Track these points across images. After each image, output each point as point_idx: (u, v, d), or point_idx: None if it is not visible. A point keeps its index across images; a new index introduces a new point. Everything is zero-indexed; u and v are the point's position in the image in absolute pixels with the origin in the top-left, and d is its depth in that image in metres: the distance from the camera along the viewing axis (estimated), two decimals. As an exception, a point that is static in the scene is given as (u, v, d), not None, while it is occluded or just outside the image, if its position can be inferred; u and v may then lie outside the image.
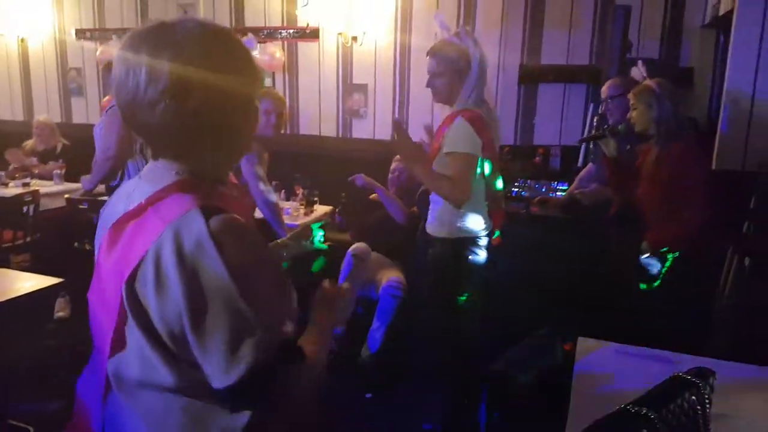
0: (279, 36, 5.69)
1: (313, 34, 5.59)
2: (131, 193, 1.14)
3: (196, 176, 1.12)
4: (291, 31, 5.67)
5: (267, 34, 5.71)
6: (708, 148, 3.59)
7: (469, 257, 2.68)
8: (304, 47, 5.71)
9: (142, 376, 1.08)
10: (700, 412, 1.31)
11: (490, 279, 2.80)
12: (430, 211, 2.78)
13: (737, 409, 1.69)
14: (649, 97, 2.87)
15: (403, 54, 5.40)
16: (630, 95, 3.00)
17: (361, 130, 5.69)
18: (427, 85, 2.69)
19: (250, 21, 5.84)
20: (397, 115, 5.45)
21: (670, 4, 4.62)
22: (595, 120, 4.02)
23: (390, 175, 4.20)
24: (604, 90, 3.49)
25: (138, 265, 1.02)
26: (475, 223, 2.67)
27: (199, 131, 1.09)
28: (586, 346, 2.12)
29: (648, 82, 2.96)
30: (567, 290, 3.39)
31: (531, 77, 5.00)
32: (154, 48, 1.03)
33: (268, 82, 5.79)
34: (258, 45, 5.57)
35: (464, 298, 2.70)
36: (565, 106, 4.93)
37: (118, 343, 1.09)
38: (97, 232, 1.21)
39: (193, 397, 1.08)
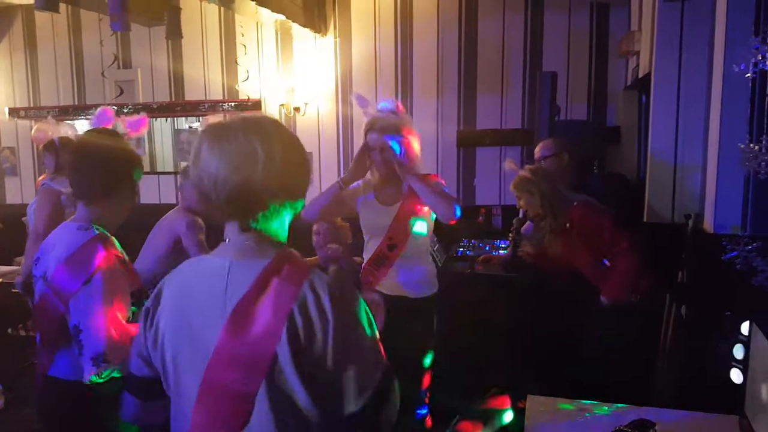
0: (221, 109, 5.76)
1: (255, 106, 5.67)
2: (229, 269, 1.26)
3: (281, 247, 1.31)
4: (233, 103, 5.74)
5: (208, 107, 5.76)
6: (639, 201, 3.77)
7: (434, 316, 2.83)
8: (247, 119, 5.77)
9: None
10: (643, 462, 1.36)
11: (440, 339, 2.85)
12: (404, 272, 2.78)
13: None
14: (527, 185, 3.10)
15: (346, 122, 5.54)
16: (511, 188, 3.22)
17: (308, 198, 5.70)
18: (380, 159, 2.69)
19: (190, 95, 5.89)
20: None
21: (594, 68, 4.92)
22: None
23: (315, 237, 4.20)
24: (537, 151, 3.66)
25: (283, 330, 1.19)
26: (434, 281, 2.87)
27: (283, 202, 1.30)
28: (536, 403, 2.17)
29: (522, 172, 3.17)
30: (516, 348, 3.45)
31: (469, 142, 5.20)
32: (265, 137, 1.24)
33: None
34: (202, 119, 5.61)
35: (430, 358, 2.79)
36: (502, 167, 5.12)
37: (251, 407, 1.21)
38: (174, 318, 1.30)
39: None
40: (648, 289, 3.05)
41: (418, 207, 2.70)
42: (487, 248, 4.44)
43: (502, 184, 5.17)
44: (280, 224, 1.33)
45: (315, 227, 4.16)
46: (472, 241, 4.58)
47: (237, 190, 1.23)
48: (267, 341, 1.19)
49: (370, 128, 2.72)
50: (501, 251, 4.37)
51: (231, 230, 1.30)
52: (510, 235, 3.54)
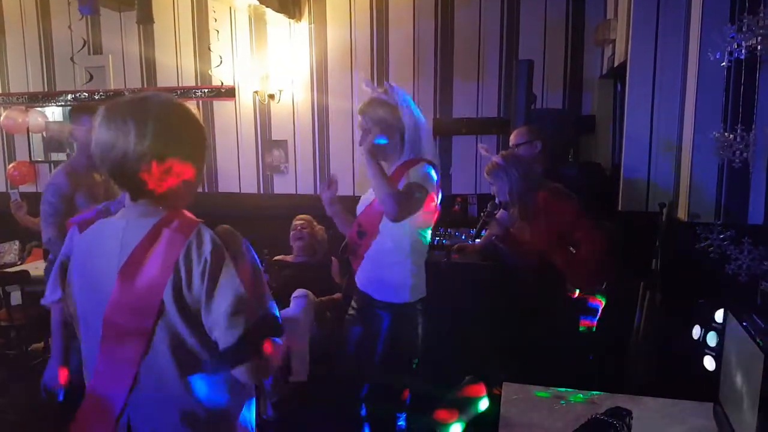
0: (194, 95, 5.66)
1: (228, 93, 5.60)
2: (123, 229, 1.44)
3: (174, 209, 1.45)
4: (206, 90, 5.66)
5: (181, 94, 5.66)
6: (613, 189, 3.79)
7: (420, 321, 2.56)
8: (220, 106, 5.70)
9: (177, 366, 1.40)
10: (619, 451, 1.36)
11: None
12: (373, 272, 2.58)
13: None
14: (499, 171, 3.11)
15: (321, 109, 5.47)
16: (485, 173, 3.23)
17: (283, 186, 5.69)
18: (361, 143, 2.51)
19: (163, 81, 5.78)
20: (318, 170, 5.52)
21: (570, 57, 4.91)
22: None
23: (293, 232, 4.20)
24: (512, 138, 3.65)
25: (173, 271, 1.36)
26: (422, 283, 2.58)
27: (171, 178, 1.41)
28: (511, 390, 2.16)
29: (494, 158, 3.18)
30: (491, 335, 3.45)
31: (445, 130, 5.18)
32: (140, 116, 1.37)
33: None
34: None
35: (416, 364, 2.57)
36: (478, 156, 5.11)
37: (147, 345, 1.39)
38: (83, 266, 1.49)
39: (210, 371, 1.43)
40: (614, 277, 3.07)
41: None
42: (463, 237, 4.44)
43: (478, 173, 5.16)
44: (172, 193, 1.44)
45: (295, 222, 4.16)
46: (448, 229, 4.57)
47: (115, 165, 1.38)
48: (154, 286, 1.36)
49: (360, 111, 2.57)
50: (476, 240, 4.37)
51: (126, 198, 1.46)
52: (481, 215, 3.52)
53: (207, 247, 1.37)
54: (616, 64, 4.12)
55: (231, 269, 1.37)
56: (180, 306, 1.37)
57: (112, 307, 1.40)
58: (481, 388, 1.81)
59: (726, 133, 2.87)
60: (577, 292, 3.05)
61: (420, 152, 2.53)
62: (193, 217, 1.46)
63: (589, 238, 2.95)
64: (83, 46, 5.89)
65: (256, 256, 1.48)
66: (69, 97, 5.98)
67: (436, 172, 2.49)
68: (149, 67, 5.82)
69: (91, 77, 5.91)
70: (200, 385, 1.43)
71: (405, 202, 2.34)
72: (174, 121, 1.43)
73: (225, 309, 1.34)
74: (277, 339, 1.42)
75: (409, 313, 2.53)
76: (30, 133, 6.15)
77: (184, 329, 1.39)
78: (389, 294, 2.51)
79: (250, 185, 5.76)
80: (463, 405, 1.72)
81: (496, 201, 3.53)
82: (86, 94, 5.91)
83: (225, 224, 1.47)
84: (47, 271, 3.21)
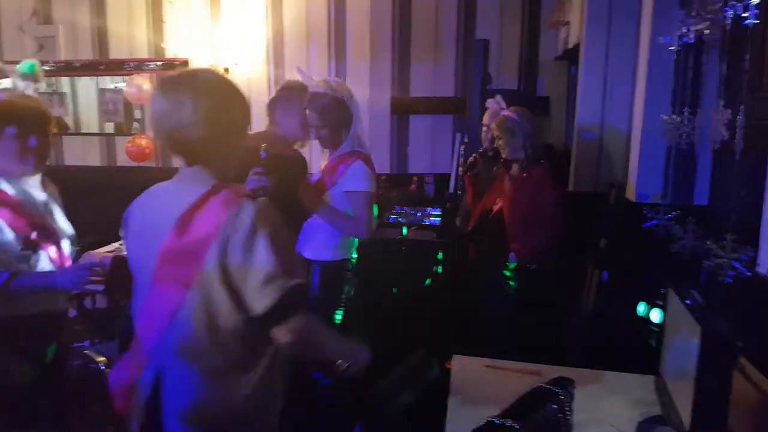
0: (146, 68, 5.51)
1: (181, 66, 5.46)
2: (177, 191, 1.63)
3: (221, 179, 1.63)
4: (159, 63, 5.51)
5: (134, 67, 5.52)
6: (565, 170, 3.85)
7: (347, 279, 2.86)
8: (174, 79, 5.56)
9: (206, 325, 1.56)
10: (562, 420, 1.40)
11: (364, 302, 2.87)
12: (309, 238, 2.84)
13: (598, 414, 1.81)
14: (512, 126, 3.11)
15: (277, 84, 5.38)
16: (493, 126, 3.23)
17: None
18: (314, 137, 2.83)
19: (115, 53, 5.62)
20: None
21: (526, 38, 4.95)
22: (461, 148, 4.22)
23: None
24: (486, 119, 3.68)
25: (216, 237, 1.50)
26: (351, 246, 2.89)
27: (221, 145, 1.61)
28: (460, 363, 2.20)
29: (506, 112, 3.19)
30: (439, 309, 3.51)
31: (402, 109, 5.17)
32: (192, 90, 1.54)
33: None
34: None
35: (340, 320, 2.84)
36: (434, 135, 5.13)
37: (184, 296, 1.55)
38: (141, 221, 1.70)
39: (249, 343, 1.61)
40: (554, 255, 3.16)
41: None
42: (418, 215, 4.48)
43: (434, 153, 5.18)
44: (221, 162, 1.63)
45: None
46: (404, 208, 4.61)
47: (171, 132, 1.56)
48: (199, 247, 1.51)
49: (305, 106, 2.78)
50: (433, 218, 4.41)
51: (181, 164, 1.64)
52: (470, 159, 3.62)
53: (246, 219, 1.50)
54: (570, 46, 4.17)
55: (267, 240, 1.50)
56: (219, 270, 1.50)
57: (162, 259, 1.57)
58: (432, 361, 1.84)
59: (674, 116, 2.93)
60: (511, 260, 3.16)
61: (359, 144, 2.80)
62: (240, 190, 1.65)
63: (549, 214, 3.03)
64: (32, 14, 5.68)
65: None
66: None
67: (371, 165, 2.78)
68: (102, 38, 5.63)
69: (40, 47, 5.71)
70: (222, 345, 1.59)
71: (368, 221, 2.72)
72: (222, 94, 1.60)
73: (262, 276, 1.49)
74: (300, 308, 1.57)
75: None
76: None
77: (219, 292, 1.53)
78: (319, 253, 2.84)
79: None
80: (414, 377, 1.75)
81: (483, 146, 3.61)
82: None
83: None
84: None
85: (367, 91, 5.07)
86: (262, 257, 1.50)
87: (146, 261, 1.61)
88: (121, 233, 1.77)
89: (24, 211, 2.12)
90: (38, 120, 2.13)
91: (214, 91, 1.58)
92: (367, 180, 2.74)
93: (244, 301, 1.53)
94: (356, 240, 2.91)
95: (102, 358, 2.74)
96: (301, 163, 2.80)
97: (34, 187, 2.20)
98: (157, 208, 1.66)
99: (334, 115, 2.73)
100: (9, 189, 2.11)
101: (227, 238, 1.50)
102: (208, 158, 1.61)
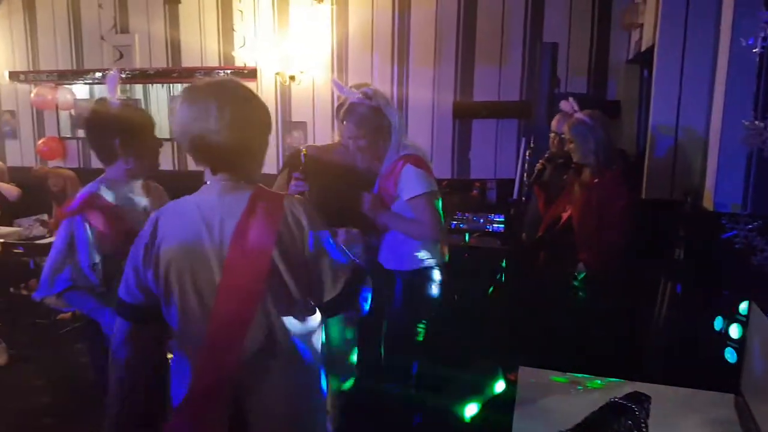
0: (217, 76, 5.65)
1: (250, 74, 5.58)
2: (217, 203, 1.62)
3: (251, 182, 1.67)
4: (228, 71, 5.64)
5: (204, 74, 5.66)
6: (637, 177, 3.72)
7: (429, 288, 2.72)
8: (242, 87, 5.68)
9: (284, 322, 1.62)
10: (637, 436, 1.33)
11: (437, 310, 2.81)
12: (384, 245, 2.77)
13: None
14: (584, 129, 3.02)
15: (341, 92, 5.44)
16: (565, 128, 3.14)
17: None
18: (353, 148, 2.68)
19: (187, 62, 5.80)
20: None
21: (596, 40, 4.83)
22: (527, 153, 4.14)
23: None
24: (554, 124, 3.60)
25: (276, 237, 1.56)
26: (434, 253, 2.72)
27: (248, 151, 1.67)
28: (527, 374, 2.14)
29: (579, 114, 3.09)
30: (508, 320, 3.43)
31: (465, 113, 5.13)
32: (218, 99, 1.55)
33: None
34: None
35: (423, 329, 2.72)
36: (498, 140, 5.06)
37: (256, 306, 1.58)
38: (177, 247, 1.60)
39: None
40: (623, 265, 3.02)
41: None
42: (481, 221, 4.42)
43: (497, 158, 5.10)
44: (246, 169, 1.67)
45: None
46: (466, 214, 4.55)
47: (196, 141, 1.57)
48: (265, 249, 1.55)
49: (342, 118, 2.69)
50: (496, 225, 4.34)
51: (207, 174, 1.65)
52: (537, 166, 3.55)
53: (302, 215, 1.59)
54: (643, 49, 4.04)
55: (324, 232, 1.62)
56: (286, 265, 1.57)
57: (229, 272, 1.56)
58: (498, 372, 1.79)
59: (756, 122, 2.79)
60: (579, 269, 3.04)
61: (404, 147, 2.66)
62: (271, 190, 1.70)
63: (620, 222, 2.92)
64: (113, 25, 5.92)
65: None
66: (97, 75, 6.01)
67: (421, 164, 2.63)
68: (174, 47, 5.84)
69: (121, 55, 5.94)
70: (304, 343, 1.66)
71: (432, 222, 2.58)
72: (245, 104, 1.63)
73: (327, 266, 1.61)
74: (366, 288, 1.70)
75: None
76: (59, 110, 6.24)
77: (292, 285, 1.60)
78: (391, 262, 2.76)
79: (269, 166, 5.73)
80: (479, 387, 1.71)
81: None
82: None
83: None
84: None
85: (429, 94, 5.06)
86: (326, 248, 1.61)
87: (202, 276, 1.58)
88: (141, 251, 1.63)
89: (117, 217, 2.15)
90: (147, 126, 2.36)
91: (241, 98, 1.62)
92: (421, 181, 2.60)
93: (314, 292, 1.64)
94: (438, 246, 2.75)
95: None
96: (364, 176, 2.74)
97: (137, 192, 2.27)
98: (204, 222, 1.59)
99: (371, 124, 2.60)
100: (109, 195, 2.17)
101: (289, 237, 1.57)
102: (235, 165, 1.64)
